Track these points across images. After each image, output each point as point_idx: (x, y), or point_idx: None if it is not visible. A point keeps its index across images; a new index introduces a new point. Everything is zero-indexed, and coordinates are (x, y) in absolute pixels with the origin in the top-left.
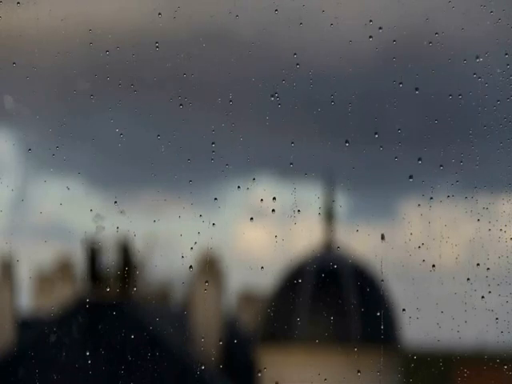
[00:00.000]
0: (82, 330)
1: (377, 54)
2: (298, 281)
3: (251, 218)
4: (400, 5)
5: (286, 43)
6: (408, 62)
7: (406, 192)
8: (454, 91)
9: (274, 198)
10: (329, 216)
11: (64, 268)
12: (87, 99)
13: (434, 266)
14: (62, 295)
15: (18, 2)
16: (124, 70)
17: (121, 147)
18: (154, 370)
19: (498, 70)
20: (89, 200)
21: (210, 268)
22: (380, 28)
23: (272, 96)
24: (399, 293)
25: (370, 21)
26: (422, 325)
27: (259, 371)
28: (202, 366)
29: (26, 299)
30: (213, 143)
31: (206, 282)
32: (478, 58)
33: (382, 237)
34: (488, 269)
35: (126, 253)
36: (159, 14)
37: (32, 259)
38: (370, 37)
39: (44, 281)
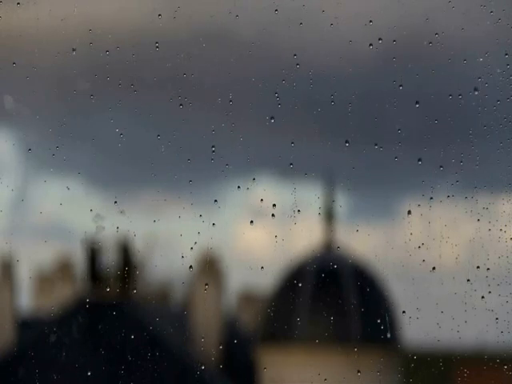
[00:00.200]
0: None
1: (377, 54)
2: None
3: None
4: (400, 5)
5: (286, 43)
6: (408, 62)
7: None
8: (453, 91)
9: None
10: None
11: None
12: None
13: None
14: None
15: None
16: (124, 69)
17: (121, 147)
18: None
19: (498, 70)
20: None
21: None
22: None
23: (272, 96)
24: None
25: (370, 21)
26: (421, 325)
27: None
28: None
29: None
30: (213, 143)
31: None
32: (478, 57)
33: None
34: (488, 269)
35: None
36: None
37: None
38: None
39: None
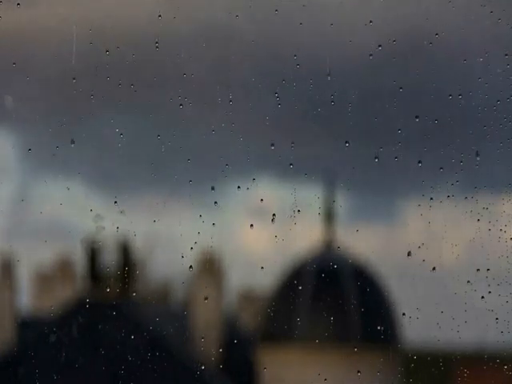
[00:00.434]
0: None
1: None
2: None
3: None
4: (400, 5)
5: (286, 43)
6: (408, 61)
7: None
8: (454, 91)
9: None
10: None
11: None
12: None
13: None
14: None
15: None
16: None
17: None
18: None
19: (498, 70)
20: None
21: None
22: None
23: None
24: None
25: (370, 21)
26: (421, 325)
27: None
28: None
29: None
30: (213, 143)
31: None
32: (478, 58)
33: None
34: (488, 269)
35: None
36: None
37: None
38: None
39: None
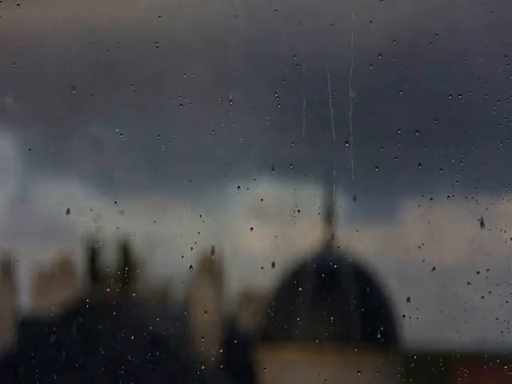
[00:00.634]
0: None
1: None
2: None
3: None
4: (400, 5)
5: (286, 43)
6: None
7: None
8: (453, 91)
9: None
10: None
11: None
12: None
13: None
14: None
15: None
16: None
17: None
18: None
19: (498, 70)
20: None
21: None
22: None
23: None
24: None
25: (370, 21)
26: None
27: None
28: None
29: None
30: (213, 143)
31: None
32: (478, 58)
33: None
34: (488, 269)
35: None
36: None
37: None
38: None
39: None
